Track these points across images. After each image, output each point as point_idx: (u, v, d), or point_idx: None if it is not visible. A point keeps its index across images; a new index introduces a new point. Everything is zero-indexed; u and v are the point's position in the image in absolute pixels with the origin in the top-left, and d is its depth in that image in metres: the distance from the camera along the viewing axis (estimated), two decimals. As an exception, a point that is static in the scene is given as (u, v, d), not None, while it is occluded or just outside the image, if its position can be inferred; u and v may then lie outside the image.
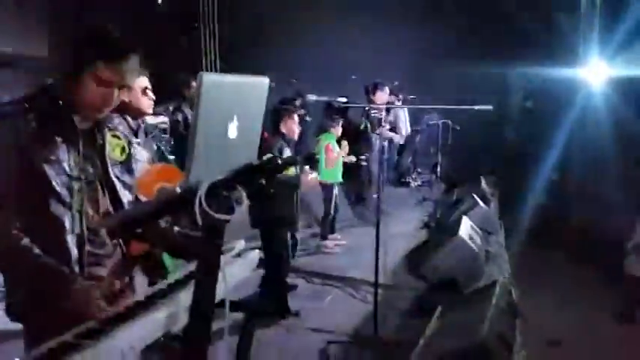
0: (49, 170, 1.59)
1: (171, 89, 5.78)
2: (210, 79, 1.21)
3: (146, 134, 2.75)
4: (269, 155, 1.36)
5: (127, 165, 1.83)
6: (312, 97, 3.61)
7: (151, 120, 7.27)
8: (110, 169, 1.76)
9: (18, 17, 6.42)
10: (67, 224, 1.63)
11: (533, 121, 9.11)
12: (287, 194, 4.05)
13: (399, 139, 7.56)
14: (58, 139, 1.62)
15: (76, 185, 1.65)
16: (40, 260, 1.56)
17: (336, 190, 5.71)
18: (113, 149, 1.78)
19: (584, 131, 8.07)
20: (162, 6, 9.39)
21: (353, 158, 5.88)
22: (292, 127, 4.18)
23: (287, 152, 4.09)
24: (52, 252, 1.60)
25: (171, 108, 5.60)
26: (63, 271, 1.58)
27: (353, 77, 8.54)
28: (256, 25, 9.37)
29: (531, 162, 8.02)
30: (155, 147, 2.82)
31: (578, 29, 8.41)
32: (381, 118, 3.93)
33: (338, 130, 5.68)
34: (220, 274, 1.24)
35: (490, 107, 3.54)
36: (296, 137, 4.25)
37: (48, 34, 7.28)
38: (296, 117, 4.21)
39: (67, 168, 1.63)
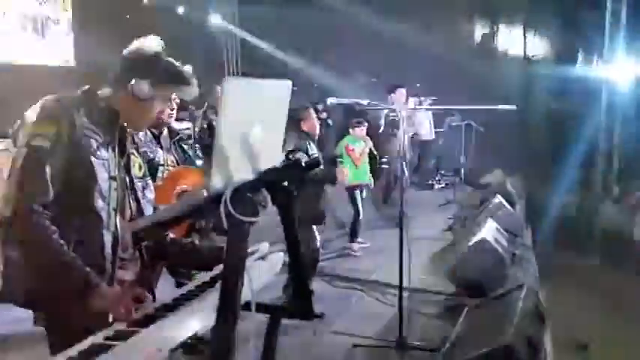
0: (97, 164, 1.65)
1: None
2: (233, 82, 1.23)
3: (170, 138, 2.79)
4: (293, 157, 1.37)
5: (144, 181, 1.88)
6: (333, 100, 3.61)
7: (175, 125, 7.36)
8: (135, 181, 1.82)
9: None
10: (105, 220, 1.68)
11: (558, 121, 8.96)
12: (315, 189, 4.09)
13: (422, 135, 7.45)
14: (103, 139, 1.69)
15: (114, 185, 1.70)
16: (69, 259, 1.56)
17: (362, 193, 5.69)
18: (133, 165, 1.84)
19: (610, 130, 7.91)
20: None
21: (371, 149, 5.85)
22: (313, 123, 4.21)
23: (313, 149, 4.11)
24: (90, 245, 1.64)
25: (196, 114, 5.67)
26: (89, 273, 1.57)
27: (373, 80, 8.54)
28: (278, 28, 9.45)
29: (557, 162, 7.89)
30: (180, 151, 2.85)
31: (604, 26, 8.25)
32: (399, 120, 3.91)
33: (358, 132, 5.68)
34: (246, 276, 1.25)
35: (514, 107, 3.50)
36: (317, 133, 4.29)
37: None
38: (314, 113, 4.24)
39: (107, 167, 1.69)
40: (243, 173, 1.31)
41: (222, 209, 1.19)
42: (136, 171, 1.85)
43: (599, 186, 8.03)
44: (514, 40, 8.42)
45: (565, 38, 8.28)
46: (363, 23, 8.84)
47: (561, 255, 6.02)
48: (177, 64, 1.75)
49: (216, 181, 1.21)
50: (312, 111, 4.25)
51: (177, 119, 7.53)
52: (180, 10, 9.47)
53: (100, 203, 1.66)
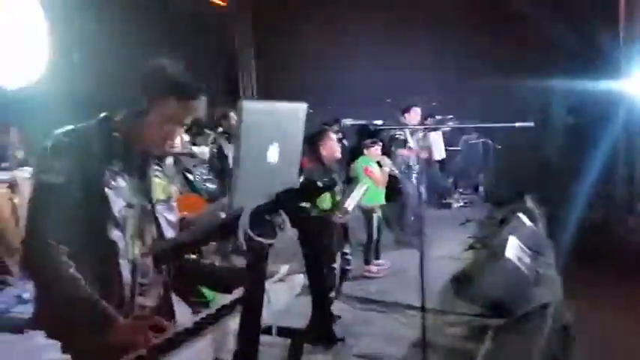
0: (111, 195, 1.64)
1: (211, 121, 5.95)
2: (250, 106, 1.24)
3: (175, 164, 2.81)
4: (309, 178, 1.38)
5: (168, 203, 1.87)
6: (348, 122, 3.61)
7: (195, 149, 7.47)
8: (156, 206, 1.81)
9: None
10: (122, 249, 1.67)
11: (576, 137, 8.87)
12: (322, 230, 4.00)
13: (434, 155, 7.44)
14: (118, 168, 1.68)
15: (130, 213, 1.70)
16: (85, 294, 1.56)
17: (378, 213, 5.66)
18: (155, 188, 1.83)
19: (629, 146, 7.80)
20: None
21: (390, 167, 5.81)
22: (332, 146, 4.13)
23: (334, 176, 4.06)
24: (107, 277, 1.64)
25: (210, 139, 5.75)
26: (106, 308, 1.57)
27: (387, 100, 8.58)
28: (292, 51, 9.57)
29: (577, 178, 7.78)
30: (184, 179, 2.87)
31: (619, 40, 8.20)
32: (406, 140, 3.91)
33: (373, 152, 5.66)
34: (265, 299, 1.24)
35: (531, 124, 3.47)
36: (338, 157, 4.21)
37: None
38: (333, 136, 4.17)
39: (123, 196, 1.68)
40: (261, 196, 1.32)
41: (240, 232, 1.19)
42: (158, 194, 1.84)
43: (622, 201, 7.88)
44: (531, 56, 8.39)
45: (580, 53, 8.23)
46: (376, 42, 8.91)
47: (585, 272, 5.88)
48: (184, 75, 1.69)
49: (234, 204, 1.21)
50: (331, 134, 4.19)
51: (194, 144, 7.65)
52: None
53: (115, 233, 1.65)
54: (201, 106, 1.73)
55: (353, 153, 5.99)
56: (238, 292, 1.67)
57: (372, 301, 4.81)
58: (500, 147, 8.14)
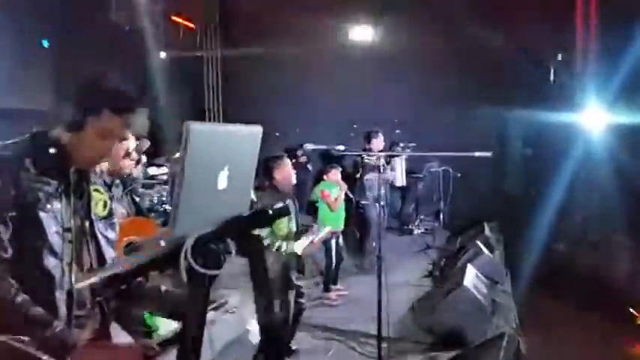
0: (45, 219, 1.52)
1: (174, 140, 5.83)
2: (197, 128, 1.17)
3: (124, 188, 2.70)
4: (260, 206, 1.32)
5: (109, 220, 1.76)
6: (309, 146, 3.56)
7: (153, 171, 7.27)
8: (95, 224, 1.69)
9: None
10: (57, 279, 1.55)
11: (533, 168, 9.10)
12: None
13: (396, 181, 7.48)
14: (52, 188, 1.55)
15: (67, 237, 1.57)
16: (36, 317, 1.46)
17: (338, 239, 5.61)
18: (96, 204, 1.71)
19: (585, 177, 8.04)
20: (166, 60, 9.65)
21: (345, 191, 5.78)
22: (288, 171, 3.97)
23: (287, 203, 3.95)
24: (41, 308, 1.50)
25: (172, 158, 5.61)
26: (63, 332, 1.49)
27: (355, 126, 8.65)
28: (259, 77, 9.57)
29: (534, 208, 7.95)
30: (131, 201, 2.76)
31: (575, 75, 8.51)
32: (380, 166, 3.91)
33: (332, 177, 5.63)
34: (206, 333, 1.17)
35: (489, 154, 3.51)
36: (292, 183, 4.09)
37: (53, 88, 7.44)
38: (288, 162, 4.04)
39: (59, 218, 1.56)
40: (207, 222, 1.25)
41: (181, 262, 1.11)
42: (99, 210, 1.72)
43: (577, 232, 8.08)
44: (490, 88, 8.61)
45: (538, 87, 8.49)
46: (344, 71, 9.01)
47: (541, 301, 5.96)
48: (120, 87, 1.57)
49: (177, 231, 1.14)
50: (286, 160, 4.06)
51: (156, 165, 7.45)
52: (163, 55, 9.58)
53: (51, 261, 1.53)
54: (139, 120, 1.64)
55: (317, 177, 5.95)
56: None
57: (328, 328, 4.73)
58: (460, 175, 8.27)
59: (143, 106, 1.64)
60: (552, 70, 8.65)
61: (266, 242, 3.48)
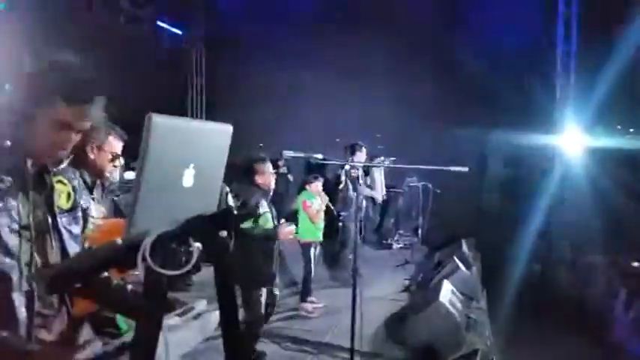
0: None
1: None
2: (161, 121, 1.12)
3: (103, 190, 2.63)
4: (226, 206, 1.27)
5: (73, 213, 1.67)
6: (288, 154, 3.54)
7: (128, 175, 7.15)
8: (58, 219, 1.58)
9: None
10: (15, 280, 1.44)
11: (512, 187, 9.19)
12: (263, 248, 3.90)
13: (377, 197, 7.49)
14: (7, 184, 1.44)
15: (25, 235, 1.46)
16: None
17: (316, 250, 5.57)
18: (59, 196, 1.62)
19: (562, 197, 8.14)
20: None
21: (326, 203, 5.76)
22: (268, 177, 4.05)
23: (264, 205, 3.96)
24: None
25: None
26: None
27: (337, 140, 8.65)
28: (243, 86, 9.55)
29: (512, 226, 8.00)
30: (111, 202, 2.69)
31: (555, 99, 8.66)
32: (358, 177, 3.90)
33: (314, 187, 5.59)
34: (162, 338, 1.11)
35: (466, 169, 3.50)
36: (272, 187, 4.12)
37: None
38: (270, 167, 4.09)
39: (16, 216, 1.45)
40: (170, 221, 1.20)
41: (139, 260, 1.06)
42: (62, 202, 1.62)
43: (553, 251, 8.14)
44: (471, 107, 8.71)
45: (518, 108, 8.61)
46: (329, 87, 9.04)
47: (515, 319, 5.96)
48: (75, 75, 1.46)
49: (134, 229, 1.09)
50: (269, 164, 4.10)
51: (131, 169, 7.32)
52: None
53: (6, 262, 1.42)
54: (96, 112, 1.48)
55: (299, 188, 5.90)
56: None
57: (302, 340, 4.66)
58: (439, 191, 8.30)
59: (103, 96, 1.49)
60: (533, 93, 8.78)
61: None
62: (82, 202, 1.96)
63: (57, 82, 1.44)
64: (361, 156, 6.44)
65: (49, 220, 1.56)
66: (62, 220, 1.59)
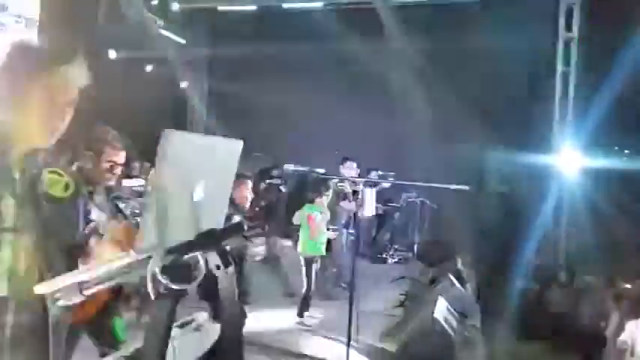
0: None
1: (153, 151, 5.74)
2: (175, 137, 1.14)
3: (107, 196, 2.64)
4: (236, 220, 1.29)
5: (73, 203, 1.55)
6: (290, 167, 3.57)
7: (127, 183, 7.18)
8: (49, 214, 1.45)
9: None
10: None
11: (509, 205, 9.21)
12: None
13: (363, 212, 7.46)
14: None
15: (7, 237, 1.35)
16: None
17: (317, 265, 5.54)
18: (53, 187, 1.48)
19: (558, 215, 8.18)
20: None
21: (333, 235, 5.77)
22: (244, 194, 4.07)
23: (236, 220, 3.97)
24: None
25: (152, 171, 5.52)
26: None
27: (336, 152, 8.69)
28: (242, 100, 9.58)
29: (508, 245, 8.02)
30: (114, 208, 2.70)
31: (552, 119, 8.74)
32: (347, 192, 3.93)
33: (322, 201, 5.57)
34: (170, 349, 1.12)
35: (466, 187, 3.54)
36: (247, 205, 4.16)
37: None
38: (249, 184, 4.13)
39: None
40: (180, 235, 1.21)
41: (149, 274, 1.07)
42: (59, 191, 1.49)
43: (550, 271, 8.15)
44: (468, 125, 8.77)
45: (516, 128, 8.67)
46: (328, 100, 9.07)
47: (509, 338, 5.96)
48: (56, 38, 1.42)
49: (146, 242, 1.10)
50: (247, 182, 4.14)
51: (130, 177, 7.35)
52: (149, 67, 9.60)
53: None
54: (78, 72, 1.38)
55: (296, 201, 5.87)
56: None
57: (299, 355, 4.65)
58: (436, 207, 8.33)
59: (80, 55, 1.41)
60: (529, 111, 8.86)
61: None
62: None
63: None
64: (349, 170, 6.45)
65: (40, 216, 1.43)
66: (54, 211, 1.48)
